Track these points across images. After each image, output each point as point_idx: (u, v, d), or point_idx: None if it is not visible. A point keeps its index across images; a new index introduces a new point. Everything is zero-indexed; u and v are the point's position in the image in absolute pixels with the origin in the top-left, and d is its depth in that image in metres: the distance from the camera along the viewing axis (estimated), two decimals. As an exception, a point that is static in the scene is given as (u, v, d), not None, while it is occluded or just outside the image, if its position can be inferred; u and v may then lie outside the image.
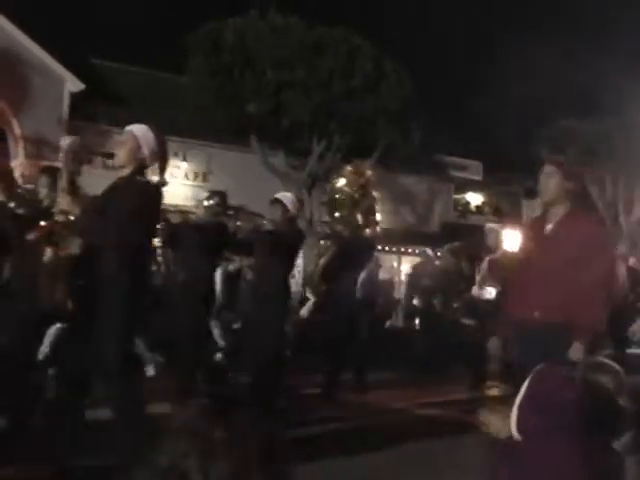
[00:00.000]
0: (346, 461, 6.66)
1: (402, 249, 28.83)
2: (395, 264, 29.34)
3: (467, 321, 12.70)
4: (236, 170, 25.43)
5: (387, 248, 26.98)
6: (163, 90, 25.51)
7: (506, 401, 3.61)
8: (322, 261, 12.27)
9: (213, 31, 22.13)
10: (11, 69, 22.72)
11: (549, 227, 6.03)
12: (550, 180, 6.07)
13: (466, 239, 15.54)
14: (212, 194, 9.96)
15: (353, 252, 11.07)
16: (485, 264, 11.97)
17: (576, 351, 5.63)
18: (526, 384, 3.49)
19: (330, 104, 21.83)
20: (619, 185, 31.12)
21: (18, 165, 23.40)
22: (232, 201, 23.04)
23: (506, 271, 11.25)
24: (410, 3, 55.43)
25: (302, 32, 22.01)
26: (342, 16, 30.10)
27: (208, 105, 22.50)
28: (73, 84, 24.23)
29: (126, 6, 41.47)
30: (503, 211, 35.36)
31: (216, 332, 12.89)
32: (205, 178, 26.61)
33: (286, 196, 9.13)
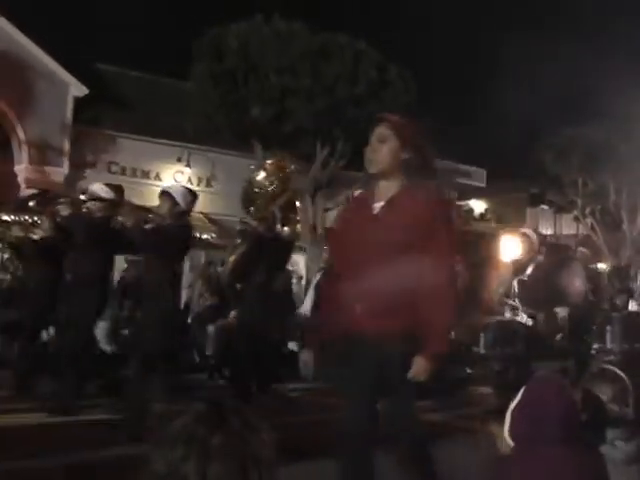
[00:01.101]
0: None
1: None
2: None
3: None
4: (240, 175, 25.44)
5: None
6: (167, 95, 25.54)
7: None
8: (231, 259, 11.21)
9: (217, 36, 22.12)
10: (15, 74, 22.73)
11: (377, 206, 4.58)
12: (383, 146, 4.70)
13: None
14: (109, 187, 9.06)
15: (267, 250, 10.27)
16: None
17: (419, 370, 4.23)
18: (522, 390, 3.48)
19: (334, 110, 21.80)
20: (623, 193, 31.08)
21: (22, 170, 23.43)
22: (235, 206, 23.04)
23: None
24: (415, 9, 55.42)
25: (306, 38, 22.00)
26: (346, 22, 30.13)
27: (212, 110, 22.48)
28: (77, 89, 24.25)
29: (130, 11, 41.48)
30: (506, 218, 35.33)
31: (100, 333, 11.75)
32: (209, 183, 26.62)
33: (176, 188, 8.48)
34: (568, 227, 36.26)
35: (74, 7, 43.82)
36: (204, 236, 21.17)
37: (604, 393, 4.03)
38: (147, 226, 8.14)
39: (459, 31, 57.57)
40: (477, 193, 35.76)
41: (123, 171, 25.03)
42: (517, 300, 10.38)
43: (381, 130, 4.75)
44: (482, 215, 36.39)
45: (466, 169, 35.40)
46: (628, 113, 27.25)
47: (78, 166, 24.21)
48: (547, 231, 37.09)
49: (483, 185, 35.93)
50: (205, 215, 22.81)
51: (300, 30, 22.10)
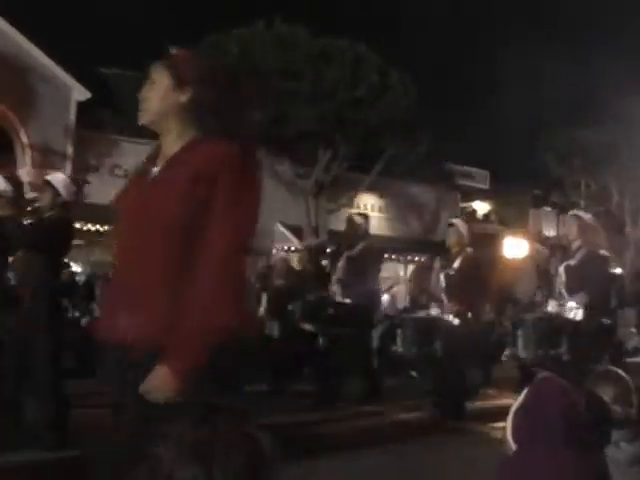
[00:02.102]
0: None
1: (408, 257, 28.74)
2: (402, 273, 29.27)
3: (307, 326, 11.56)
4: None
5: (393, 256, 26.94)
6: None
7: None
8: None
9: (218, 41, 22.14)
10: (18, 78, 22.75)
11: (155, 171, 3.36)
12: (152, 89, 3.49)
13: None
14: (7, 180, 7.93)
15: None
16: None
17: (155, 385, 2.93)
18: (523, 393, 3.48)
19: (336, 113, 21.83)
20: (625, 195, 31.09)
21: (25, 174, 23.45)
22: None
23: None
24: (415, 13, 55.40)
25: (307, 42, 22.04)
26: (347, 26, 30.13)
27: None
28: (80, 92, 24.28)
29: (132, 15, 41.52)
30: (509, 220, 35.35)
31: None
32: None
33: (57, 178, 7.79)
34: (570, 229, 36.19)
35: (77, 11, 43.82)
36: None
37: (607, 394, 4.03)
38: (25, 220, 7.38)
39: (460, 34, 57.56)
40: (480, 195, 35.78)
41: (126, 174, 25.01)
42: (443, 295, 9.62)
43: (153, 70, 3.51)
44: (485, 217, 36.41)
45: (469, 171, 35.44)
46: (631, 115, 27.27)
47: (81, 170, 24.22)
48: (550, 233, 37.12)
49: (486, 187, 35.95)
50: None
51: (301, 34, 22.13)
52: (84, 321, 15.22)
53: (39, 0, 36.75)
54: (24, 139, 23.43)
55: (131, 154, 25.18)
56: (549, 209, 37.08)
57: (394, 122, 22.69)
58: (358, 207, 29.77)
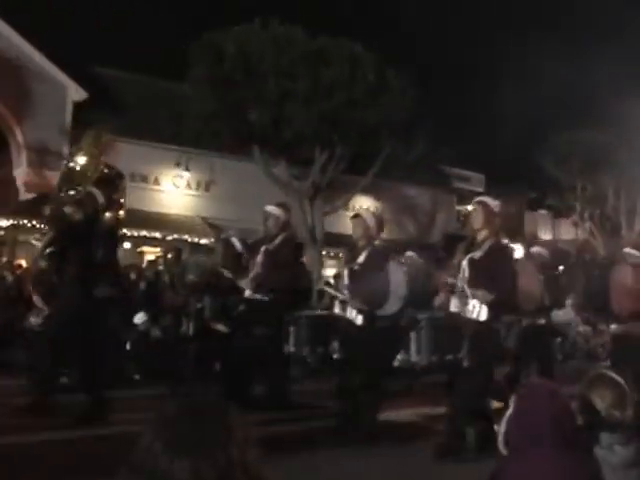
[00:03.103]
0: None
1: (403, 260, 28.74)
2: (397, 275, 29.27)
3: (220, 327, 11.04)
4: (238, 180, 25.46)
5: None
6: (165, 99, 25.51)
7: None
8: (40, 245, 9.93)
9: (215, 40, 22.11)
10: (14, 77, 22.74)
11: None
12: None
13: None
14: None
15: (80, 238, 8.77)
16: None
17: None
18: (514, 399, 3.49)
19: (332, 114, 21.82)
20: (621, 197, 31.13)
21: (21, 174, 23.43)
22: (234, 210, 23.05)
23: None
24: (413, 13, 55.47)
25: (304, 42, 22.02)
26: (344, 26, 30.14)
27: (210, 115, 22.47)
28: (76, 92, 24.25)
29: (128, 15, 41.52)
30: (505, 222, 35.36)
31: None
32: (207, 188, 26.62)
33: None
34: (567, 232, 36.32)
35: (73, 10, 43.80)
36: (203, 241, 21.18)
37: (602, 397, 4.02)
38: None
39: (458, 35, 57.61)
40: (476, 198, 35.81)
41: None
42: (346, 292, 8.59)
43: None
44: None
45: (465, 174, 35.51)
46: (627, 118, 27.30)
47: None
48: (546, 236, 37.18)
49: (482, 190, 35.96)
50: (204, 219, 22.78)
51: (298, 34, 22.12)
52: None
53: (35, 0, 36.73)
54: (20, 139, 23.41)
55: (127, 154, 25.16)
56: (545, 212, 37.14)
57: (391, 123, 22.68)
58: (354, 209, 29.83)
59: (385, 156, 23.67)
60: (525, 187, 35.12)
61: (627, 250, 10.87)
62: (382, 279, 8.47)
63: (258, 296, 9.57)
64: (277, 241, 9.68)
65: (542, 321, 11.45)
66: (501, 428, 3.44)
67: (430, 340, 8.08)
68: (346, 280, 8.69)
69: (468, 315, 7.59)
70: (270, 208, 10.05)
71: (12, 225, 21.09)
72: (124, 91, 26.25)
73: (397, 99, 22.69)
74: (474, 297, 7.53)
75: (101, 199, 8.64)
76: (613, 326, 10.78)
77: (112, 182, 9.11)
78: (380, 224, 8.92)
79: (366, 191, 27.84)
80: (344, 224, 27.25)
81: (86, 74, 25.20)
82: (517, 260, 10.97)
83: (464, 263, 7.77)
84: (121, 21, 41.27)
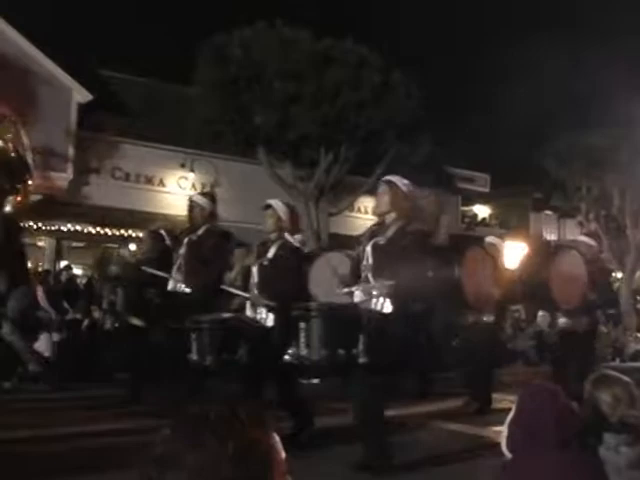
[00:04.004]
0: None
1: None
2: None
3: (135, 320, 10.54)
4: (243, 181, 25.48)
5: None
6: (171, 101, 25.56)
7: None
8: None
9: (220, 42, 22.13)
10: (19, 80, 22.74)
11: None
12: None
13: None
14: None
15: None
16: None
17: None
18: (516, 402, 3.50)
19: (338, 116, 21.82)
20: (626, 198, 31.08)
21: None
22: (239, 212, 23.07)
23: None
24: (418, 15, 55.47)
25: (310, 44, 22.02)
26: (349, 28, 30.13)
27: (215, 117, 22.50)
28: (81, 95, 24.26)
29: (134, 17, 41.57)
30: (510, 224, 35.39)
31: None
32: (212, 189, 26.65)
33: None
34: (572, 232, 36.27)
35: (78, 13, 43.91)
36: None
37: (608, 398, 4.03)
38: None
39: (462, 37, 57.61)
40: (481, 198, 35.82)
41: (127, 177, 25.07)
42: (255, 291, 8.00)
43: None
44: (486, 220, 36.43)
45: (470, 174, 35.47)
46: (632, 118, 27.28)
47: (82, 172, 24.25)
48: (551, 236, 37.15)
49: (487, 190, 35.98)
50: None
51: (303, 36, 22.12)
52: (85, 323, 15.19)
53: (40, 2, 36.77)
54: (25, 141, 23.40)
55: (132, 156, 25.23)
56: (550, 213, 37.10)
57: (396, 125, 22.67)
58: (359, 210, 29.85)
59: (390, 157, 23.64)
60: (530, 187, 35.10)
61: (581, 238, 10.50)
62: (293, 275, 7.87)
63: (180, 290, 9.00)
64: (200, 232, 9.11)
65: (491, 319, 10.94)
66: (504, 431, 3.45)
67: (321, 332, 6.67)
68: (255, 277, 8.07)
69: (372, 307, 6.84)
70: (195, 197, 9.55)
71: (18, 227, 21.10)
72: (129, 93, 26.30)
73: (402, 100, 22.68)
74: (375, 287, 6.84)
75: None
76: (562, 320, 10.07)
77: (17, 171, 8.82)
78: (294, 216, 8.39)
79: (371, 192, 27.84)
80: (349, 225, 27.37)
81: (91, 76, 25.23)
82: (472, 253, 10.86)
83: (368, 249, 7.07)
84: (126, 24, 41.33)
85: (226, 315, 8.18)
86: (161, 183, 25.83)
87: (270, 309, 7.75)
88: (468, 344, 11.32)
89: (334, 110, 21.77)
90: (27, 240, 21.66)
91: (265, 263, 7.95)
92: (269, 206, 8.21)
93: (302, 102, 21.62)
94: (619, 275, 31.43)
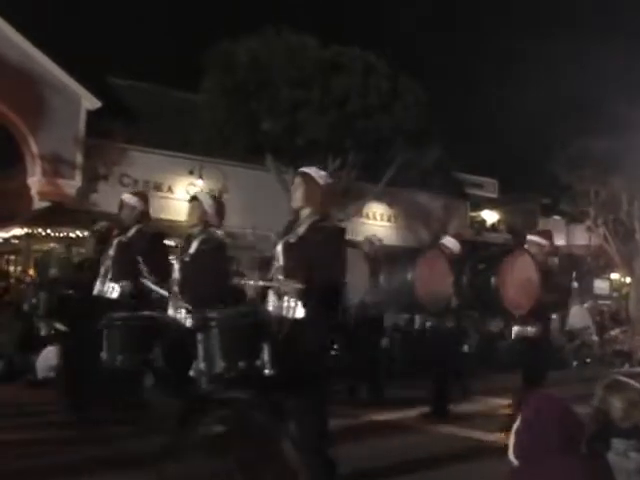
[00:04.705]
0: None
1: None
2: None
3: (58, 325, 9.79)
4: (251, 188, 25.52)
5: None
6: (179, 108, 25.61)
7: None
8: None
9: (228, 49, 22.18)
10: (28, 87, 22.85)
11: None
12: None
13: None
14: None
15: None
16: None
17: None
18: (522, 409, 3.51)
19: (345, 122, 21.84)
20: (635, 203, 31.03)
21: (35, 182, 23.53)
22: (247, 218, 23.10)
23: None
24: (427, 21, 55.54)
25: (317, 50, 22.06)
26: (357, 34, 30.20)
27: (223, 123, 22.53)
28: (89, 102, 24.35)
29: (142, 25, 41.69)
30: (518, 229, 35.37)
31: None
32: (221, 195, 26.64)
33: None
34: (581, 237, 36.24)
35: (86, 21, 44.08)
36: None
37: (618, 403, 4.03)
38: None
39: (471, 42, 57.63)
40: (489, 204, 35.81)
41: (135, 184, 25.10)
42: (175, 289, 7.32)
43: None
44: (494, 225, 36.41)
45: (478, 180, 35.49)
46: (640, 123, 27.26)
47: (91, 179, 24.33)
48: (560, 241, 37.11)
49: (495, 196, 35.99)
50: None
51: (311, 43, 22.16)
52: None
53: (49, 10, 36.92)
54: (34, 148, 23.51)
55: (140, 163, 25.29)
56: (558, 218, 37.06)
57: (404, 131, 22.67)
58: (367, 216, 29.87)
59: (398, 163, 23.66)
60: (538, 193, 35.09)
61: (531, 237, 9.50)
62: (215, 273, 7.15)
63: (106, 293, 8.47)
64: (130, 233, 8.66)
65: (450, 324, 10.33)
66: (510, 440, 3.46)
67: (219, 343, 6.08)
68: (176, 274, 7.37)
69: (283, 312, 6.19)
70: (125, 197, 9.00)
71: (26, 234, 21.14)
72: (138, 101, 26.36)
73: (410, 106, 22.69)
74: (284, 289, 6.19)
75: None
76: (515, 327, 9.15)
77: None
78: (220, 209, 7.73)
79: (379, 198, 27.88)
80: (358, 232, 27.37)
81: (100, 84, 25.32)
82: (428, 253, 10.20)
83: (278, 248, 6.41)
84: (134, 31, 41.46)
85: (144, 313, 7.54)
86: (170, 190, 25.88)
87: (188, 311, 7.01)
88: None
89: (342, 116, 21.80)
90: (37, 247, 21.80)
91: (186, 259, 7.28)
92: (194, 198, 7.61)
93: (309, 108, 21.66)
94: (627, 280, 31.40)
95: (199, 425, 5.95)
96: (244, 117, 22.31)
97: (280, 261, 6.31)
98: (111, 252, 8.59)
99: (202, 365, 6.17)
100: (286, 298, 6.11)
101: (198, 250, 7.20)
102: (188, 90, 26.08)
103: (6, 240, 22.15)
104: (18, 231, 21.50)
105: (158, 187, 25.61)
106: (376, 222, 30.47)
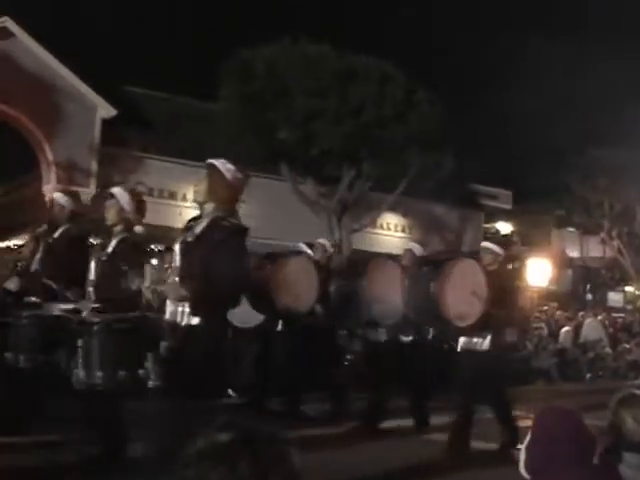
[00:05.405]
0: None
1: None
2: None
3: None
4: (267, 197, 25.51)
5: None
6: (194, 117, 25.67)
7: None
8: None
9: (245, 59, 22.23)
10: (44, 95, 22.93)
11: None
12: None
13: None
14: None
15: None
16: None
17: None
18: (532, 423, 3.51)
19: (361, 132, 21.85)
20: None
21: (50, 190, 23.62)
22: (262, 228, 23.13)
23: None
24: (442, 31, 55.55)
25: (333, 60, 22.09)
26: (373, 44, 30.22)
27: (239, 132, 22.57)
28: (105, 110, 24.41)
29: (157, 33, 41.82)
30: (532, 240, 35.29)
31: None
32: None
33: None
34: (595, 249, 36.15)
35: (102, 30, 44.24)
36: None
37: (633, 417, 4.02)
38: None
39: (488, 54, 57.62)
40: (504, 215, 35.73)
41: (150, 192, 25.10)
42: (91, 290, 6.66)
43: None
44: (508, 236, 36.33)
45: (493, 191, 35.41)
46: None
47: (105, 187, 24.30)
48: (574, 253, 37.01)
49: (509, 207, 35.90)
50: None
51: (327, 53, 22.20)
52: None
53: (65, 18, 37.07)
54: (49, 156, 23.58)
55: (155, 171, 25.33)
56: (572, 230, 36.98)
57: (419, 141, 22.65)
58: (381, 227, 29.84)
59: (413, 174, 23.64)
60: (552, 204, 35.01)
61: (485, 244, 8.99)
62: (131, 275, 6.52)
63: (32, 298, 7.57)
64: (57, 234, 8.18)
65: (408, 338, 9.65)
66: (521, 455, 3.46)
67: (99, 350, 5.69)
68: (92, 274, 6.76)
69: (177, 318, 5.75)
70: (56, 195, 8.67)
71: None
72: (153, 109, 26.41)
73: (425, 117, 22.68)
74: (170, 295, 5.79)
75: None
76: (462, 339, 8.57)
77: None
78: (140, 206, 7.22)
79: (393, 209, 27.85)
80: (372, 242, 27.38)
81: (115, 92, 25.38)
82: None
83: (176, 248, 6.00)
84: (150, 40, 41.55)
85: (52, 312, 6.98)
86: (184, 198, 25.89)
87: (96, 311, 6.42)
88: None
89: (357, 126, 21.81)
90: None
91: (103, 258, 6.70)
92: (112, 195, 6.99)
93: (325, 118, 21.68)
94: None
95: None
96: (260, 126, 22.35)
97: (176, 261, 5.93)
98: (38, 255, 8.16)
99: (82, 374, 5.85)
100: (181, 303, 5.70)
101: (115, 250, 6.70)
102: (203, 99, 26.15)
103: (21, 247, 22.20)
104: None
105: (173, 195, 25.64)
106: (391, 233, 30.45)
